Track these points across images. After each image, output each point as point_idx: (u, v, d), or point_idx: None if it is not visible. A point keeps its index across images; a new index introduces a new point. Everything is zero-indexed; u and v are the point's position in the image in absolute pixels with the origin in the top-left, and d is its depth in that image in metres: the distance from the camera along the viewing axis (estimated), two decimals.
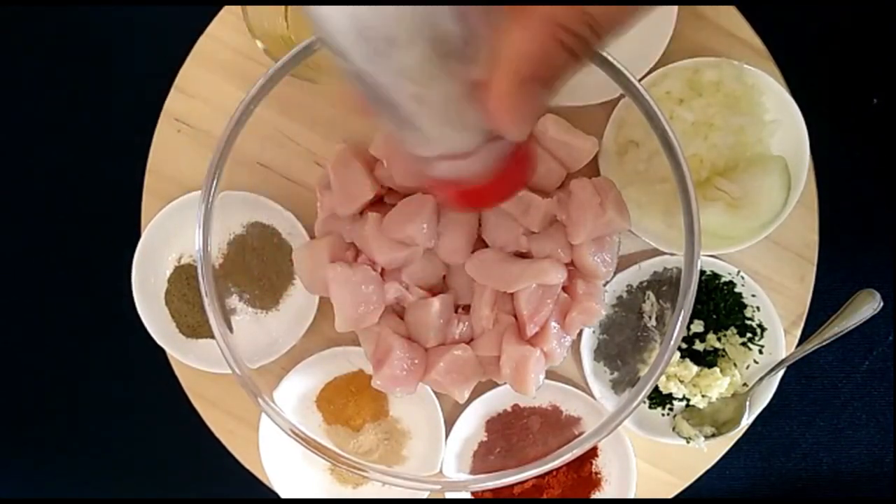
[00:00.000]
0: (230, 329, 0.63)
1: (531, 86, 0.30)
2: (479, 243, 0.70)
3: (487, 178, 0.40)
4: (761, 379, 0.75)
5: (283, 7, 0.70)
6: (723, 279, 0.74)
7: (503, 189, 0.43)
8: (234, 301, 0.74)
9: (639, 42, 0.71)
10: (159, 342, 0.74)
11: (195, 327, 0.75)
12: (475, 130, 0.36)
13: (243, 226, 0.74)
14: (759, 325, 0.75)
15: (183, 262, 0.75)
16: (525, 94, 0.30)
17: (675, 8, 0.69)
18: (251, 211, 0.73)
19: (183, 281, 0.75)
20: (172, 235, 0.75)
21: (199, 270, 0.61)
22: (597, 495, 0.78)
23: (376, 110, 0.35)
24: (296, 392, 0.76)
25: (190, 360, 0.75)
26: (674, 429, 0.77)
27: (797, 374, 0.83)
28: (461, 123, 0.35)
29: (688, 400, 0.75)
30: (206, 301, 0.61)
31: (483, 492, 0.77)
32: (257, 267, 0.74)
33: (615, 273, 0.72)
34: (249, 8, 0.64)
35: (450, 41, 0.30)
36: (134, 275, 0.73)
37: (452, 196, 0.43)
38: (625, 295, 0.74)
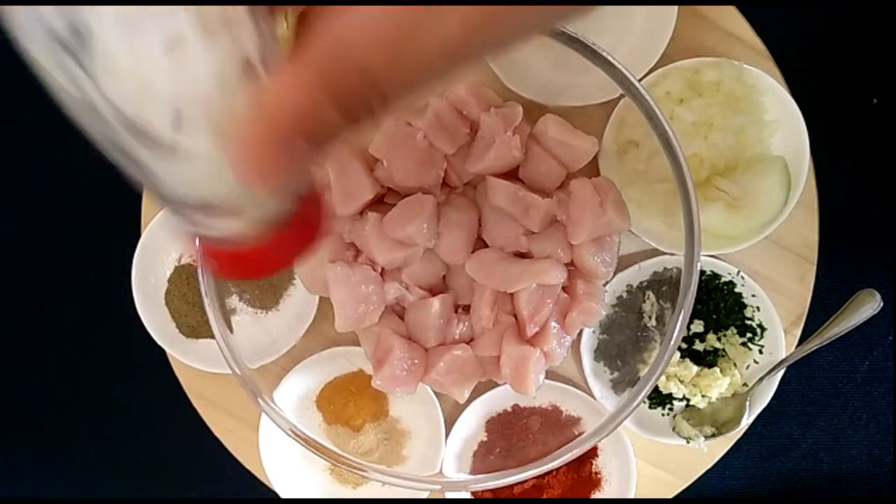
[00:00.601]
0: (230, 329, 0.63)
1: (291, 141, 0.25)
2: (479, 243, 0.70)
3: (258, 242, 0.32)
4: (761, 379, 0.75)
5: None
6: (723, 279, 0.74)
7: (280, 256, 0.36)
8: (234, 301, 0.74)
9: (639, 42, 0.71)
10: (159, 342, 0.74)
11: (195, 327, 0.75)
12: (229, 183, 0.28)
13: None
14: (759, 325, 0.75)
15: (183, 261, 0.75)
16: (281, 149, 0.25)
17: (675, 8, 0.69)
18: None
19: (183, 281, 0.75)
20: (172, 235, 0.74)
21: (200, 270, 0.61)
22: (597, 495, 0.78)
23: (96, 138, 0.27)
24: (296, 392, 0.76)
25: (190, 360, 0.75)
26: (674, 429, 0.77)
27: (797, 374, 0.83)
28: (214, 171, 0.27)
29: (688, 400, 0.75)
30: (206, 301, 0.61)
31: (483, 492, 0.77)
32: None
33: (615, 273, 0.72)
34: None
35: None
36: (134, 275, 0.73)
37: (218, 259, 0.35)
38: (625, 295, 0.74)
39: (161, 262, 0.75)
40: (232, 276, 0.46)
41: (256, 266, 0.35)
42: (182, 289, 0.75)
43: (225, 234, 0.32)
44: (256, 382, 0.62)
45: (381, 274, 0.68)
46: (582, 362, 0.75)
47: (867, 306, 0.73)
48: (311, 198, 0.34)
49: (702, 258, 0.60)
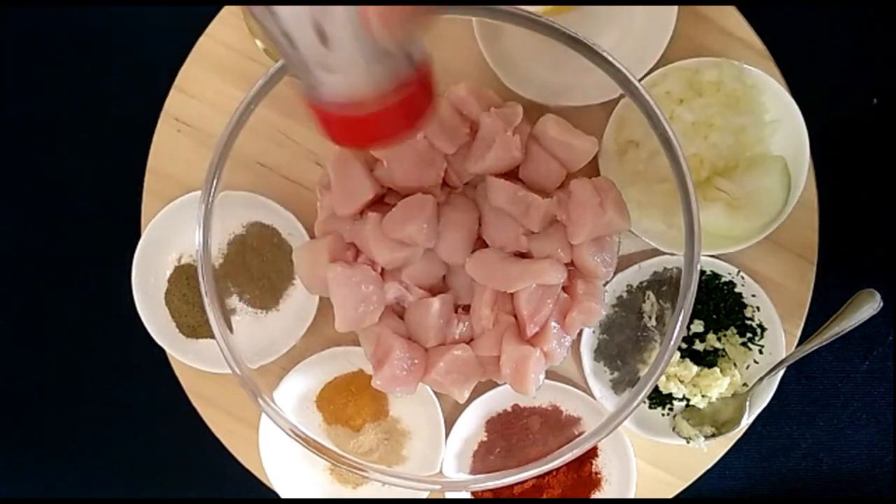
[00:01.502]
0: (230, 329, 0.63)
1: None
2: (479, 243, 0.70)
3: (378, 102, 0.35)
4: (761, 379, 0.75)
5: None
6: (723, 279, 0.74)
7: (395, 121, 0.38)
8: (234, 301, 0.74)
9: (639, 42, 0.71)
10: (159, 342, 0.74)
11: (195, 327, 0.75)
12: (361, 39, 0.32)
13: (243, 225, 0.74)
14: (759, 325, 0.75)
15: (183, 261, 0.75)
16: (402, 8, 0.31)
17: (675, 8, 0.69)
18: (251, 211, 0.74)
19: (183, 281, 0.75)
20: (172, 235, 0.74)
21: (200, 270, 0.61)
22: (597, 495, 0.78)
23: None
24: (296, 392, 0.76)
25: (190, 359, 0.74)
26: (674, 429, 0.77)
27: (797, 374, 0.83)
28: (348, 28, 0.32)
29: (688, 400, 0.75)
30: (207, 301, 0.61)
31: (483, 492, 0.77)
32: (257, 267, 0.74)
33: (615, 273, 0.72)
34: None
35: None
36: (134, 275, 0.73)
37: (338, 125, 0.38)
38: (625, 295, 0.74)
39: (161, 262, 0.75)
40: (347, 143, 0.45)
41: (370, 132, 0.38)
42: (182, 289, 0.75)
43: (346, 93, 0.35)
44: (256, 382, 0.62)
45: (381, 274, 0.68)
46: (582, 362, 0.75)
47: (867, 306, 0.73)
48: (421, 73, 0.37)
49: (702, 258, 0.60)
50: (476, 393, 0.72)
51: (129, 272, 0.73)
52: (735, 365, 0.75)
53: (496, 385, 0.74)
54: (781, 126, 0.70)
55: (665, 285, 0.71)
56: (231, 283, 0.74)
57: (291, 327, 0.74)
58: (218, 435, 0.79)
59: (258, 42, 0.64)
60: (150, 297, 0.75)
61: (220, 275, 0.74)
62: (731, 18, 0.73)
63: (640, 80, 0.57)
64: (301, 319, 0.74)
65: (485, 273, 0.67)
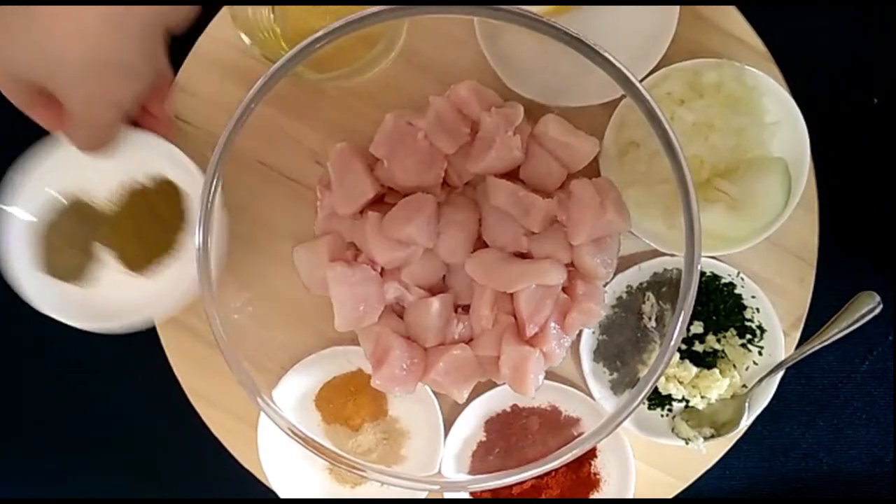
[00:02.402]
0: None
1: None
2: (479, 243, 0.70)
3: None
4: (761, 380, 0.75)
5: None
6: (723, 280, 0.74)
7: None
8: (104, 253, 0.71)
9: (640, 43, 0.71)
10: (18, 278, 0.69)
11: (66, 269, 0.70)
12: None
13: (150, 176, 0.71)
14: (759, 327, 0.75)
15: (76, 195, 0.70)
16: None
17: (675, 9, 0.69)
18: (165, 163, 0.70)
19: (73, 219, 0.70)
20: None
21: (199, 270, 0.61)
22: (596, 496, 0.78)
23: None
24: (295, 391, 0.76)
25: (46, 304, 0.70)
26: (673, 430, 0.77)
27: (797, 375, 0.83)
28: None
29: (687, 401, 0.75)
30: (206, 300, 0.61)
31: (482, 492, 0.77)
32: (146, 226, 0.70)
33: (615, 274, 0.72)
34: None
35: None
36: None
37: None
38: (624, 296, 0.74)
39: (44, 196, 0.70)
40: None
41: None
42: (70, 226, 0.70)
43: None
44: (255, 381, 0.62)
45: (381, 274, 0.68)
46: (581, 363, 0.75)
47: (867, 308, 0.73)
48: None
49: (702, 259, 0.60)
50: (475, 393, 0.72)
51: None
52: (735, 366, 0.75)
53: (495, 385, 0.74)
54: (782, 127, 0.70)
55: (665, 286, 0.71)
56: (112, 232, 0.70)
57: (164, 295, 0.70)
58: (217, 434, 0.79)
59: (242, 35, 0.63)
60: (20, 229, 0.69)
61: (103, 221, 0.70)
62: (732, 19, 0.73)
63: (641, 81, 0.57)
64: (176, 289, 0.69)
65: (485, 273, 0.67)
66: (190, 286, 0.68)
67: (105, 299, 0.71)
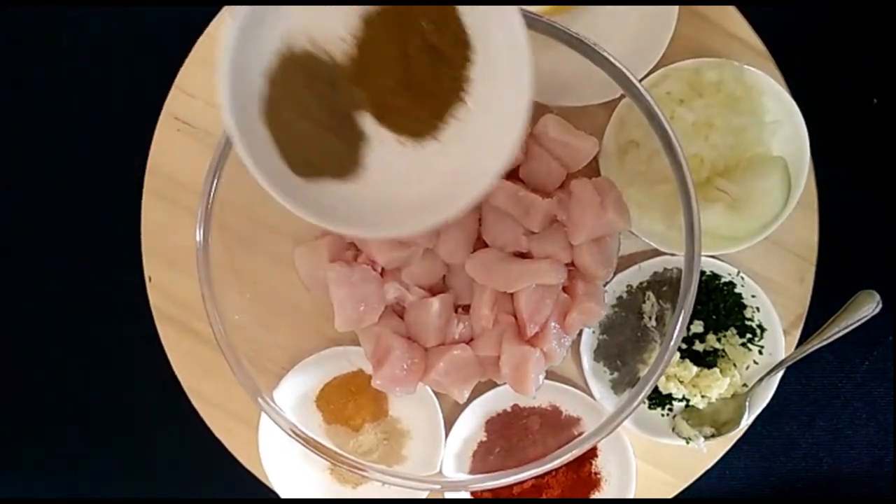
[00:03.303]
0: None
1: None
2: (479, 243, 0.70)
3: None
4: (761, 379, 0.75)
5: None
6: (723, 280, 0.74)
7: None
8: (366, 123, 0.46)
9: (640, 42, 0.71)
10: (267, 186, 0.42)
11: (313, 160, 0.45)
12: None
13: None
14: (759, 326, 0.75)
15: (295, 50, 0.42)
16: None
17: (675, 8, 0.69)
18: None
19: (297, 82, 0.43)
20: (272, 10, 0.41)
21: (198, 270, 0.61)
22: (596, 495, 0.78)
23: None
24: (295, 392, 0.76)
25: (308, 213, 0.44)
26: (673, 429, 0.77)
27: (797, 374, 0.83)
28: None
29: (687, 400, 0.75)
30: (206, 297, 0.61)
31: (482, 492, 0.77)
32: (413, 61, 0.44)
33: (615, 273, 0.72)
34: None
35: None
36: (223, 75, 0.40)
37: None
38: (625, 295, 0.74)
39: (260, 53, 0.41)
40: None
41: None
42: (297, 94, 0.43)
43: None
44: (256, 382, 0.62)
45: (381, 274, 0.68)
46: (582, 362, 0.75)
47: (867, 307, 0.73)
48: None
49: (702, 258, 0.60)
50: (476, 393, 0.72)
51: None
52: (735, 365, 0.75)
53: (496, 385, 0.74)
54: (781, 126, 0.70)
55: (665, 286, 0.71)
56: (364, 87, 0.44)
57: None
58: (218, 435, 0.79)
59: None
60: (241, 114, 0.42)
61: (347, 75, 0.44)
62: (732, 19, 0.73)
63: (640, 81, 0.57)
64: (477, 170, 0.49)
65: (485, 273, 0.67)
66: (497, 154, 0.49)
67: (380, 190, 0.47)
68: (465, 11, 0.43)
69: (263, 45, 0.39)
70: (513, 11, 0.43)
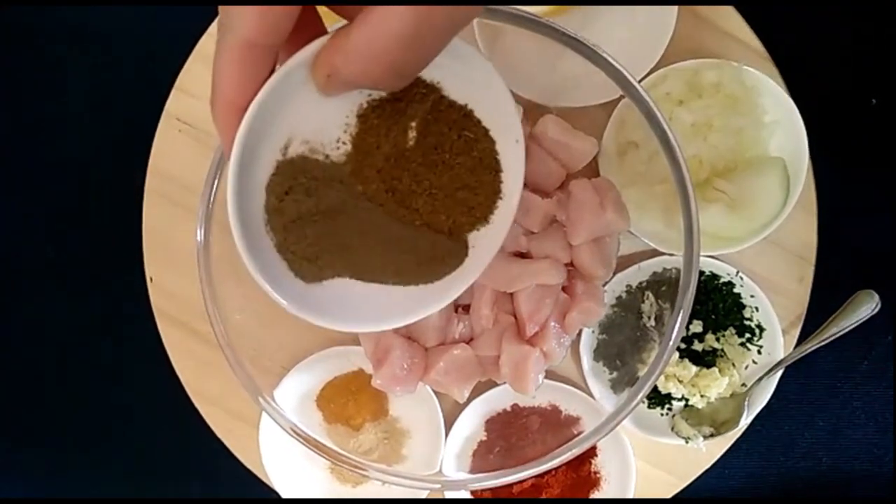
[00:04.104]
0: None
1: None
2: None
3: None
4: (760, 379, 0.75)
5: None
6: (722, 279, 0.75)
7: None
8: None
9: (639, 43, 0.71)
10: (274, 295, 0.44)
11: (317, 262, 0.44)
12: None
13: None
14: (758, 326, 0.75)
15: (290, 153, 0.40)
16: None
17: (675, 9, 0.69)
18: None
19: (298, 184, 0.41)
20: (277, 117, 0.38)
21: (200, 270, 0.61)
22: (596, 495, 0.78)
23: None
24: (296, 391, 0.76)
25: (317, 317, 0.45)
26: (672, 429, 0.77)
27: (796, 374, 0.83)
28: None
29: (686, 400, 0.76)
30: (208, 301, 0.61)
31: (482, 491, 0.77)
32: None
33: (615, 273, 0.73)
34: None
35: None
36: (231, 192, 0.38)
37: None
38: (624, 295, 0.74)
39: (262, 159, 0.40)
40: None
41: None
42: (296, 197, 0.42)
43: None
44: (257, 381, 0.62)
45: None
46: (581, 362, 0.75)
47: (866, 307, 0.74)
48: None
49: (701, 258, 0.60)
50: (476, 392, 0.72)
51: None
52: (734, 365, 0.75)
53: (496, 384, 0.74)
54: (780, 127, 0.70)
55: (664, 285, 0.71)
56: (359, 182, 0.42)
57: None
58: (218, 434, 0.79)
59: None
60: (245, 218, 0.40)
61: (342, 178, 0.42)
62: (731, 19, 0.73)
63: (639, 81, 0.57)
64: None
65: (485, 273, 0.67)
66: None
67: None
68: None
69: (265, 157, 0.39)
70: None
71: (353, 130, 0.41)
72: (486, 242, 0.48)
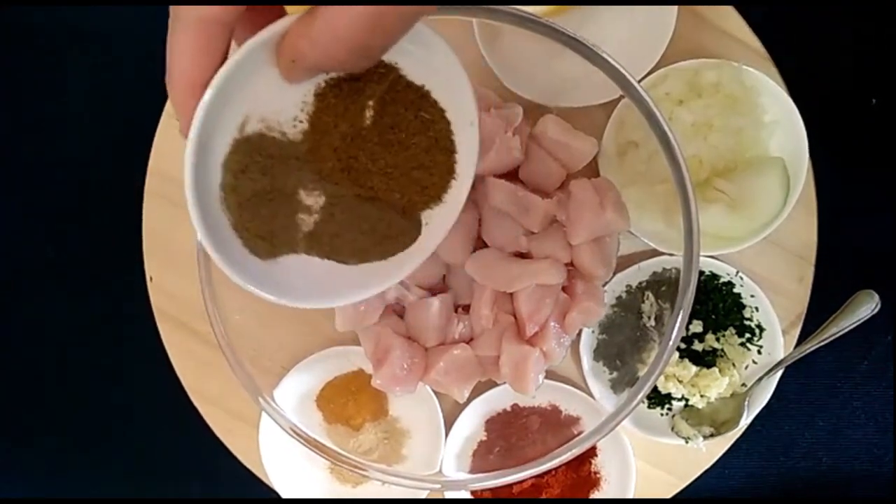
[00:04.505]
0: None
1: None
2: (479, 243, 0.70)
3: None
4: (760, 379, 0.75)
5: None
6: (721, 279, 0.75)
7: None
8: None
9: (639, 43, 0.71)
10: (229, 273, 0.42)
11: (271, 238, 0.44)
12: None
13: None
14: (758, 326, 0.75)
15: (248, 131, 0.40)
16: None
17: (674, 9, 0.69)
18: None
19: (253, 162, 0.42)
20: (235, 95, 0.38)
21: (200, 270, 0.61)
22: (596, 495, 0.78)
23: None
24: (296, 391, 0.76)
25: (271, 291, 0.44)
26: (672, 429, 0.77)
27: (796, 374, 0.83)
28: None
29: (686, 400, 0.76)
30: (208, 301, 0.61)
31: (482, 491, 0.77)
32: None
33: (614, 273, 0.73)
34: None
35: None
36: (188, 157, 0.38)
37: None
38: (624, 295, 0.74)
39: (220, 137, 0.40)
40: None
41: None
42: (252, 175, 0.42)
43: None
44: (257, 381, 0.62)
45: None
46: (581, 362, 0.75)
47: (865, 307, 0.74)
48: None
49: (701, 258, 0.60)
50: (476, 392, 0.73)
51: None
52: (734, 365, 0.75)
53: (496, 384, 0.74)
54: (780, 127, 0.70)
55: (664, 285, 0.71)
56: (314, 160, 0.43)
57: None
58: (218, 434, 0.79)
59: None
60: (202, 195, 0.40)
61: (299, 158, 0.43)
62: (731, 19, 0.73)
63: (639, 81, 0.57)
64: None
65: (485, 273, 0.67)
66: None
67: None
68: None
69: (223, 136, 0.40)
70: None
71: (311, 109, 0.41)
72: (439, 221, 0.49)
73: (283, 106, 0.41)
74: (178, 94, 0.35)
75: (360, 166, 0.44)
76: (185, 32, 0.33)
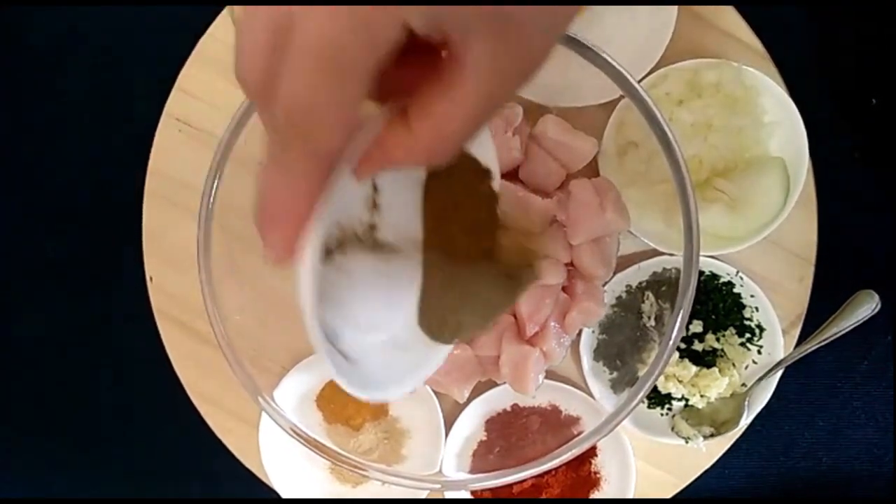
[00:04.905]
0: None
1: None
2: None
3: None
4: (760, 379, 0.75)
5: None
6: (722, 279, 0.75)
7: None
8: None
9: (639, 43, 0.71)
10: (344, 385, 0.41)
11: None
12: None
13: None
14: (758, 326, 0.75)
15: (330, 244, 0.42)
16: None
17: (674, 9, 0.69)
18: None
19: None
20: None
21: (200, 270, 0.61)
22: (596, 495, 0.78)
23: None
24: (296, 391, 0.76)
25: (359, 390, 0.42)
26: (673, 429, 0.77)
27: (796, 374, 0.83)
28: None
29: (686, 400, 0.76)
30: (207, 301, 0.61)
31: (482, 491, 0.77)
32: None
33: (614, 273, 0.73)
34: None
35: None
36: None
37: None
38: (624, 295, 0.74)
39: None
40: None
41: None
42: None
43: None
44: (257, 381, 0.62)
45: None
46: (581, 362, 0.75)
47: (865, 307, 0.74)
48: None
49: (701, 258, 0.60)
50: (476, 392, 0.73)
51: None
52: (734, 365, 0.75)
53: (496, 384, 0.74)
54: (780, 127, 0.70)
55: (664, 285, 0.71)
56: None
57: None
58: (218, 434, 0.79)
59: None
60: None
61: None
62: (731, 19, 0.73)
63: (639, 82, 0.57)
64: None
65: None
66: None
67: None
68: None
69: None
70: None
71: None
72: None
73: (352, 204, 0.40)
74: (283, 229, 0.31)
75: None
76: (307, 165, 0.28)
